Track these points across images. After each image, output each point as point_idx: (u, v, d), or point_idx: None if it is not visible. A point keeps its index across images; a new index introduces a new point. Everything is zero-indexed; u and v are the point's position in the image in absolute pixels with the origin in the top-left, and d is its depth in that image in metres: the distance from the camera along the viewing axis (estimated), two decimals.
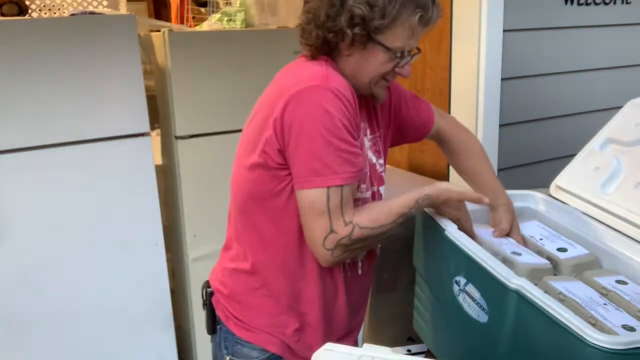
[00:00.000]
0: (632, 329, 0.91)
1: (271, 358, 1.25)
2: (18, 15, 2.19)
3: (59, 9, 2.60)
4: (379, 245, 1.37)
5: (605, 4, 2.19)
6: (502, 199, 1.32)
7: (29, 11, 2.34)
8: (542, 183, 1.44)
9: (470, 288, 1.08)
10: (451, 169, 1.63)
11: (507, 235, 1.27)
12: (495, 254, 1.12)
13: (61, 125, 1.95)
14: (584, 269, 1.12)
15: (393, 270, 1.54)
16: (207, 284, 1.36)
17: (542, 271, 1.11)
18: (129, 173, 2.08)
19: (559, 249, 1.18)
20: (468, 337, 1.13)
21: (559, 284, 1.04)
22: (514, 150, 2.14)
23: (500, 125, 2.08)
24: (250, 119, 1.21)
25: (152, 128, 2.21)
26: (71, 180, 2.00)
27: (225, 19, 2.48)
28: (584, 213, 1.26)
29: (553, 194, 1.38)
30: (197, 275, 2.32)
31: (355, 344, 1.37)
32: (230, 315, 1.28)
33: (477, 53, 1.97)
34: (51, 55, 1.89)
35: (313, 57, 1.18)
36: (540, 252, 1.19)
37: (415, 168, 2.53)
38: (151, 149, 2.12)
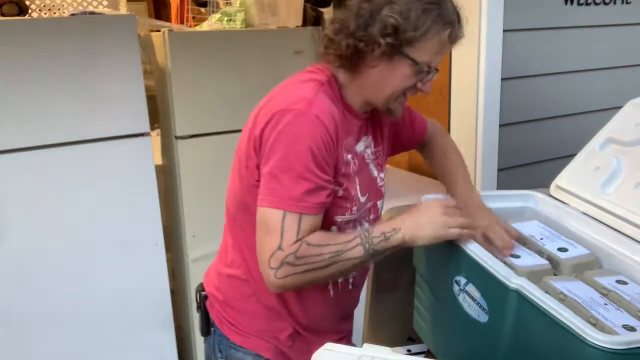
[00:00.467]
0: (632, 329, 0.91)
1: None
2: (18, 15, 2.18)
3: (59, 9, 2.59)
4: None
5: (605, 4, 2.19)
6: (473, 198, 1.29)
7: (29, 11, 2.34)
8: (542, 183, 1.44)
9: (471, 288, 1.08)
10: None
11: (495, 235, 1.20)
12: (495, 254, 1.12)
13: (61, 125, 1.94)
14: (585, 269, 1.12)
15: (393, 270, 1.54)
16: (201, 287, 1.36)
17: (541, 272, 1.11)
18: (129, 173, 2.08)
19: (560, 249, 1.17)
20: (468, 337, 1.13)
21: (560, 284, 1.04)
22: (514, 150, 2.14)
23: (500, 125, 2.08)
24: (243, 129, 1.20)
25: (152, 128, 2.20)
26: (71, 180, 1.99)
27: (225, 19, 2.48)
28: (584, 213, 1.26)
29: (553, 194, 1.38)
30: (197, 276, 2.31)
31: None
32: (225, 320, 1.29)
33: (477, 53, 1.98)
34: (51, 55, 1.89)
35: (341, 67, 1.16)
36: (540, 252, 1.19)
37: (415, 168, 2.53)
38: (151, 149, 2.11)
